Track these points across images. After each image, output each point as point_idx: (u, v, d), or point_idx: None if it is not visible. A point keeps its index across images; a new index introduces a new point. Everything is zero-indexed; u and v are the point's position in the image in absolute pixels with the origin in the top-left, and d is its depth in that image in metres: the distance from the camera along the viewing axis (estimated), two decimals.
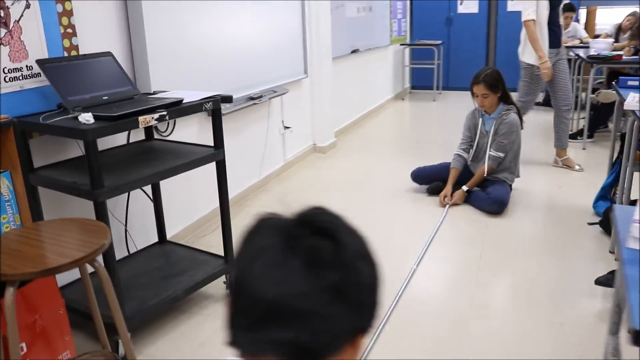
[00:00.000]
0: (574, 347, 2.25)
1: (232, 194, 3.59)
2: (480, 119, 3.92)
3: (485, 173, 3.83)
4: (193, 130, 3.35)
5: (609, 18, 8.12)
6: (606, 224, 3.38)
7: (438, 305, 2.60)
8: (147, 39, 2.70)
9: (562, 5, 7.22)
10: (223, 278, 2.70)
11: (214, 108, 2.39)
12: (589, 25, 8.29)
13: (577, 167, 4.58)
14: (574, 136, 5.67)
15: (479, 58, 9.03)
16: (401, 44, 8.39)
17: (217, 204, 3.87)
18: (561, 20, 7.07)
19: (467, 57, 9.04)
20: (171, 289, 2.39)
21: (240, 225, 2.89)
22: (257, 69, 3.87)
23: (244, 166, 4.06)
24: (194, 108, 2.30)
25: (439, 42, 8.36)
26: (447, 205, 3.79)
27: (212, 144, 2.46)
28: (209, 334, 2.39)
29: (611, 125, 5.90)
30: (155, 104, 2.16)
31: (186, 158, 2.33)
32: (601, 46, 5.39)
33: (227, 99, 2.45)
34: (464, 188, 3.84)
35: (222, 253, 2.67)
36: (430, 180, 4.10)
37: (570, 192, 4.10)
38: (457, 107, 7.81)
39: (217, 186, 2.53)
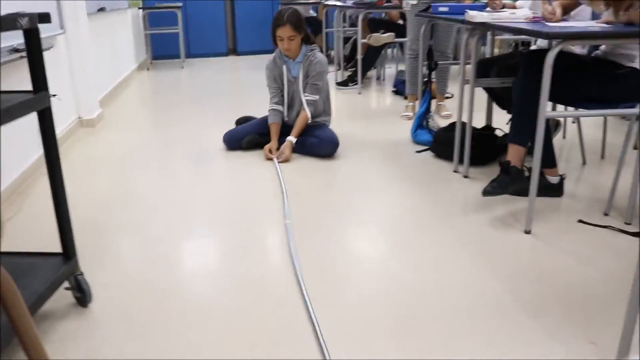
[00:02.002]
0: (503, 259, 2.13)
1: None
2: (284, 66, 3.60)
3: (309, 119, 3.56)
4: None
5: None
6: (437, 148, 3.43)
7: (335, 252, 2.23)
8: None
9: None
10: (66, 284, 1.87)
11: (31, 27, 1.57)
12: None
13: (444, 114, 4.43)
14: (344, 83, 5.80)
15: (218, 22, 8.70)
16: (139, 8, 7.53)
17: (15, 172, 2.86)
18: None
19: (206, 22, 8.62)
20: None
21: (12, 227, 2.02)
22: None
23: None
24: (7, 23, 1.46)
25: (179, 4, 7.74)
26: (276, 160, 3.40)
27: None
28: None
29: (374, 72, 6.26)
30: None
31: None
32: None
33: (45, 18, 1.64)
34: (291, 138, 3.50)
35: (54, 248, 1.86)
36: None
37: (379, 130, 4.11)
38: (214, 70, 7.41)
39: (44, 147, 1.71)
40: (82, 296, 1.86)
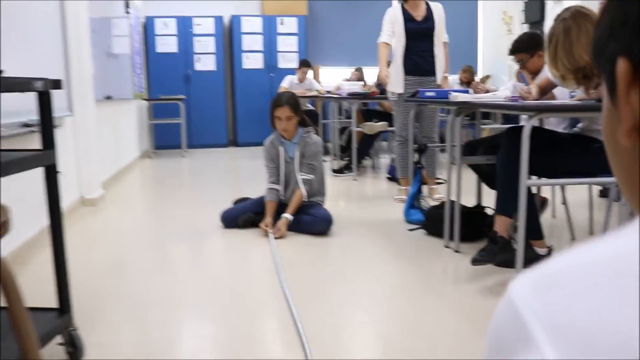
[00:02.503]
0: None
1: None
2: (281, 147, 3.77)
3: (305, 197, 3.67)
4: None
5: (331, 75, 9.07)
6: (429, 225, 3.51)
7: (330, 316, 2.25)
8: None
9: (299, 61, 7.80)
10: (58, 339, 1.89)
11: (44, 90, 1.71)
12: (316, 80, 9.08)
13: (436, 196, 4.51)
14: (340, 171, 5.98)
15: (219, 114, 9.06)
16: (144, 99, 7.89)
17: (17, 241, 2.89)
18: (298, 75, 7.62)
19: (208, 114, 8.98)
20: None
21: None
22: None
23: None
24: (21, 86, 1.61)
25: (182, 96, 8.11)
26: (271, 235, 3.47)
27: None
28: None
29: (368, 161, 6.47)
30: None
31: None
32: (354, 87, 5.86)
33: (57, 84, 1.79)
34: (287, 215, 3.59)
35: (51, 304, 1.89)
36: None
37: (373, 211, 4.21)
38: (214, 159, 7.64)
39: (48, 201, 1.80)
40: (75, 352, 1.87)
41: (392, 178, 5.55)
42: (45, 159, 1.74)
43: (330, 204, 3.91)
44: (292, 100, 3.69)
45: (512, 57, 3.38)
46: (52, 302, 1.89)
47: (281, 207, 3.72)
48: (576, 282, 0.36)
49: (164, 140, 8.63)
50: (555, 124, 3.13)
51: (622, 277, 0.34)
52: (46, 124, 1.76)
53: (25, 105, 2.99)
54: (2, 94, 2.63)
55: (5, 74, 1.57)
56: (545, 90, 2.77)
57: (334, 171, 6.03)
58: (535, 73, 3.28)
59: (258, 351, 1.96)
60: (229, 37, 8.98)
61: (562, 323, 0.34)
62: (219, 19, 8.76)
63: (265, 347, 1.99)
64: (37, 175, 1.84)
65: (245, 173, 6.36)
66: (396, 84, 4.39)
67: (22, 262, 3.02)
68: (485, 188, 3.48)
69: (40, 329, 1.76)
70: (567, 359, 0.33)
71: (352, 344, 2.02)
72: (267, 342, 2.04)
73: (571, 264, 0.37)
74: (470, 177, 3.33)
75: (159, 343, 2.04)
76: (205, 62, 8.78)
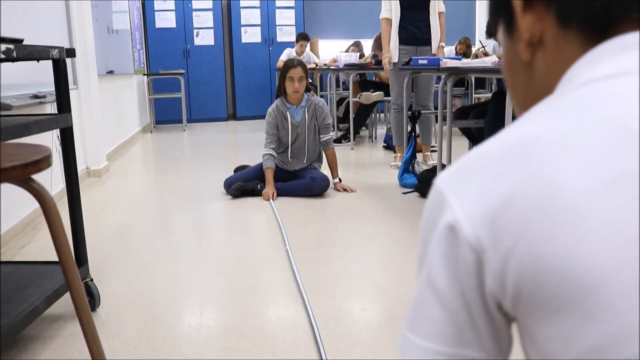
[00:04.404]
0: None
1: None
2: (288, 112, 3.89)
3: (335, 156, 3.94)
4: None
5: (329, 48, 9.13)
6: (422, 188, 3.67)
7: (328, 269, 2.42)
8: None
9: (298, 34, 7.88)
10: None
11: (60, 57, 1.85)
12: (314, 53, 9.16)
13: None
14: (338, 141, 6.12)
15: (219, 89, 9.16)
16: (144, 74, 7.99)
17: (29, 208, 3.06)
18: (296, 48, 7.71)
19: (208, 88, 9.08)
20: (21, 304, 1.72)
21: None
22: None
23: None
24: (41, 52, 1.74)
25: (182, 70, 8.21)
26: (272, 200, 3.63)
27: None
28: (86, 353, 1.79)
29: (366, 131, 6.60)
30: None
31: (13, 122, 1.70)
32: (350, 58, 5.97)
33: (71, 52, 1.93)
34: (336, 180, 3.91)
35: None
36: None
37: (369, 177, 4.37)
38: (214, 132, 7.77)
39: (64, 162, 1.96)
40: (92, 300, 2.05)
41: (388, 147, 5.70)
42: (62, 121, 1.89)
43: (328, 172, 4.07)
44: (302, 64, 3.85)
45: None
46: None
47: (287, 174, 3.88)
48: (485, 161, 0.46)
49: (164, 115, 8.76)
50: None
51: (528, 155, 0.43)
52: (61, 90, 1.90)
53: (35, 77, 3.13)
54: (14, 67, 2.77)
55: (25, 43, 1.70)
56: None
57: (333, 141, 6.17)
58: None
59: (260, 300, 2.13)
60: (227, 11, 9.03)
61: (469, 190, 0.45)
62: None
63: (267, 296, 2.17)
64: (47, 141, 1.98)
65: (245, 145, 6.50)
66: (392, 53, 4.51)
67: (38, 226, 3.19)
68: None
69: (61, 279, 1.93)
70: (470, 213, 0.44)
71: (348, 291, 2.19)
72: (269, 292, 2.21)
73: (483, 151, 0.47)
74: (462, 144, 3.47)
75: (169, 293, 2.22)
76: (204, 36, 8.85)
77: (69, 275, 1.04)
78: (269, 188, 3.73)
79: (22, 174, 0.87)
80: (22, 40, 1.70)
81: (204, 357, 1.72)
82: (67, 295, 1.96)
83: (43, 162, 0.91)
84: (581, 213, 0.40)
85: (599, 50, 0.48)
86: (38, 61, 1.84)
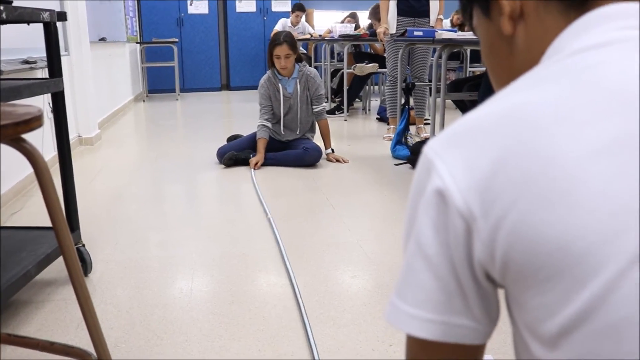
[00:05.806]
0: None
1: None
2: (280, 84, 3.87)
3: (328, 127, 3.95)
4: None
5: (324, 19, 9.05)
6: (414, 159, 3.69)
7: (313, 238, 2.45)
8: None
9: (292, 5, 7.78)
10: None
11: (50, 21, 1.83)
12: (309, 24, 9.07)
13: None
14: (332, 112, 6.10)
15: (213, 58, 9.07)
16: (137, 42, 7.90)
17: (20, 175, 3.06)
18: (291, 18, 7.62)
19: (201, 58, 8.99)
20: (13, 268, 1.73)
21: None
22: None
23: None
24: (31, 15, 1.72)
25: (176, 39, 8.12)
26: (252, 170, 3.63)
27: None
28: (78, 317, 1.81)
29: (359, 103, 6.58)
30: None
31: (3, 85, 1.69)
32: (345, 29, 5.92)
33: (62, 16, 1.91)
34: (329, 150, 3.92)
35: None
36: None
37: (362, 148, 4.38)
38: (208, 102, 7.72)
39: (56, 127, 1.95)
40: (84, 265, 2.06)
41: (382, 119, 5.70)
42: (53, 85, 1.88)
43: (321, 142, 4.07)
44: (289, 39, 3.79)
45: None
46: None
47: (279, 144, 3.88)
48: (475, 128, 0.46)
49: (157, 84, 8.68)
50: None
51: (519, 123, 0.43)
52: (52, 54, 1.88)
53: (25, 43, 3.09)
54: (4, 32, 2.73)
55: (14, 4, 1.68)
56: None
57: (326, 112, 6.15)
58: None
59: (251, 267, 2.15)
60: None
61: (459, 157, 0.45)
62: None
63: (258, 263, 2.19)
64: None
65: (239, 115, 6.47)
66: (390, 24, 4.47)
67: (29, 192, 3.19)
68: None
69: (53, 245, 1.94)
70: (459, 181, 0.44)
71: (338, 259, 2.21)
72: (260, 259, 2.23)
73: (473, 118, 0.47)
74: (455, 117, 3.47)
75: (160, 260, 2.23)
76: (198, 5, 8.73)
77: (61, 236, 1.04)
78: (257, 157, 3.73)
79: (14, 132, 0.87)
80: (11, 2, 1.68)
81: (195, 322, 1.74)
82: (59, 261, 1.97)
83: (34, 121, 0.91)
84: (573, 182, 0.40)
85: (583, 21, 0.48)
86: (28, 24, 1.82)
